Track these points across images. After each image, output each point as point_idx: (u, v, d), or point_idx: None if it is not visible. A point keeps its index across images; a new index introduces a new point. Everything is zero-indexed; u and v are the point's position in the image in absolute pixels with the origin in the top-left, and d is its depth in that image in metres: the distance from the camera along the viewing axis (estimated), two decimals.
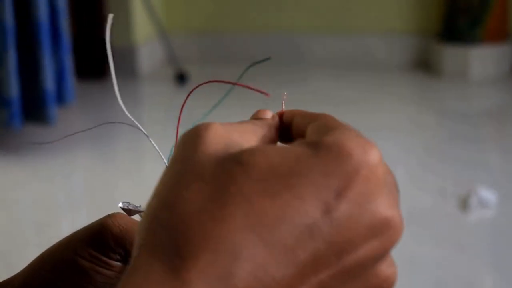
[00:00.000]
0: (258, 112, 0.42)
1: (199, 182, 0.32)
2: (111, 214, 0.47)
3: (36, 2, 2.15)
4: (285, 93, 0.45)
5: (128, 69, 3.34)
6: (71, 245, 0.46)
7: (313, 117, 0.37)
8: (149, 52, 3.45)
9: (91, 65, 3.26)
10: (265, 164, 0.31)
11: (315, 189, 0.31)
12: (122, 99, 0.50)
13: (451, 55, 3.19)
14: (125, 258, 0.46)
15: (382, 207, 0.32)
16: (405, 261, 1.51)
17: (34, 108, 2.22)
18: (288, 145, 0.33)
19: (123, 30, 3.33)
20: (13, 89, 2.12)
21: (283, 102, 0.44)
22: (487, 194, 1.81)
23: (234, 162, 0.32)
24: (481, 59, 3.14)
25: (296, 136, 0.39)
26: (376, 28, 3.48)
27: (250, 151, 0.32)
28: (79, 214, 1.93)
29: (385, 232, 0.32)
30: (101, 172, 2.21)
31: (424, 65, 3.36)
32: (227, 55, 3.59)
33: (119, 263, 0.46)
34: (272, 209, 0.30)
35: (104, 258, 0.46)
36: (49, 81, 2.21)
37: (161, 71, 3.38)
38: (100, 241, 0.46)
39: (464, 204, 1.80)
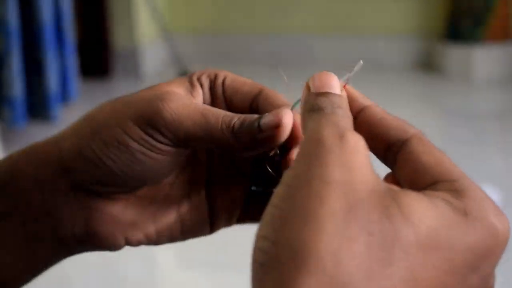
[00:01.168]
0: (320, 77, 0.40)
1: (366, 235, 0.31)
2: (162, 97, 0.44)
3: (40, 3, 2.16)
4: (361, 61, 0.42)
5: (132, 70, 3.34)
6: (121, 123, 0.44)
7: (405, 132, 0.38)
8: (152, 52, 3.45)
9: (95, 64, 3.27)
10: (426, 228, 0.32)
11: (462, 263, 0.32)
12: None
13: (454, 55, 3.19)
14: (175, 144, 0.45)
15: (493, 282, 0.35)
16: None
17: (38, 107, 2.22)
18: (435, 201, 0.33)
19: (127, 30, 3.34)
20: (17, 88, 2.13)
21: (354, 70, 0.42)
22: (491, 194, 1.81)
23: (399, 213, 0.31)
24: (484, 59, 3.14)
25: (373, 137, 0.38)
26: (380, 29, 3.48)
27: (411, 203, 0.32)
28: None
29: None
30: None
31: (428, 66, 3.37)
32: (231, 56, 3.59)
33: (168, 147, 0.45)
34: (426, 282, 0.31)
35: (154, 142, 0.44)
36: (53, 80, 2.21)
37: (165, 72, 3.39)
38: (151, 124, 0.44)
39: None
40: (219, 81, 0.49)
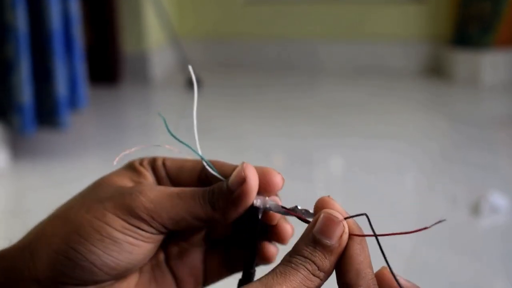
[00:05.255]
0: (325, 221, 0.41)
1: None
2: (139, 189, 0.46)
3: (49, 10, 2.17)
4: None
5: (141, 75, 3.35)
6: (99, 217, 0.45)
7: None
8: (161, 58, 3.46)
9: (104, 70, 3.28)
10: None
11: None
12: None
13: (462, 61, 3.19)
14: (160, 231, 0.46)
15: None
16: (417, 266, 1.51)
17: (47, 114, 2.23)
18: None
19: (135, 36, 3.35)
20: (26, 95, 2.14)
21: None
22: (499, 200, 1.80)
23: None
24: (492, 64, 3.14)
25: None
26: (388, 35, 3.48)
27: None
28: None
29: None
30: None
31: (436, 71, 3.36)
32: (239, 61, 3.60)
33: (154, 235, 0.46)
34: None
35: (139, 231, 0.45)
36: (61, 87, 2.22)
37: (173, 77, 3.40)
38: (134, 216, 0.45)
39: (475, 209, 1.80)
40: (159, 163, 0.51)
